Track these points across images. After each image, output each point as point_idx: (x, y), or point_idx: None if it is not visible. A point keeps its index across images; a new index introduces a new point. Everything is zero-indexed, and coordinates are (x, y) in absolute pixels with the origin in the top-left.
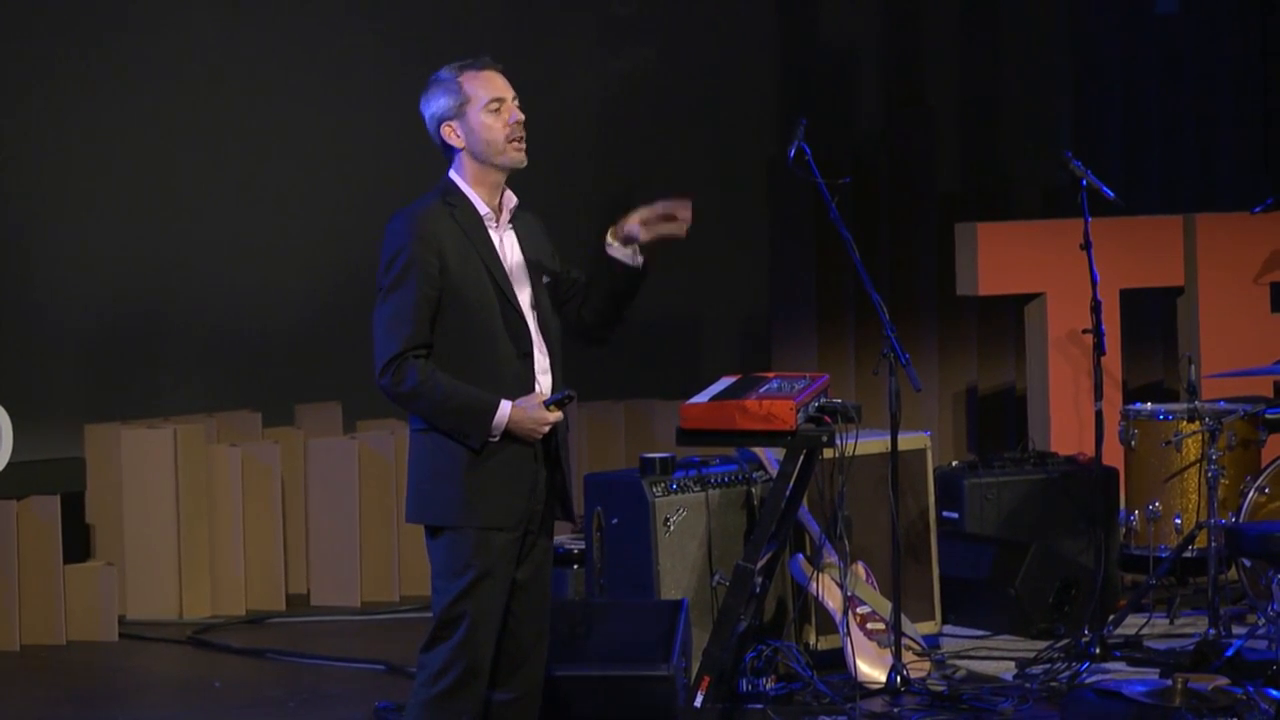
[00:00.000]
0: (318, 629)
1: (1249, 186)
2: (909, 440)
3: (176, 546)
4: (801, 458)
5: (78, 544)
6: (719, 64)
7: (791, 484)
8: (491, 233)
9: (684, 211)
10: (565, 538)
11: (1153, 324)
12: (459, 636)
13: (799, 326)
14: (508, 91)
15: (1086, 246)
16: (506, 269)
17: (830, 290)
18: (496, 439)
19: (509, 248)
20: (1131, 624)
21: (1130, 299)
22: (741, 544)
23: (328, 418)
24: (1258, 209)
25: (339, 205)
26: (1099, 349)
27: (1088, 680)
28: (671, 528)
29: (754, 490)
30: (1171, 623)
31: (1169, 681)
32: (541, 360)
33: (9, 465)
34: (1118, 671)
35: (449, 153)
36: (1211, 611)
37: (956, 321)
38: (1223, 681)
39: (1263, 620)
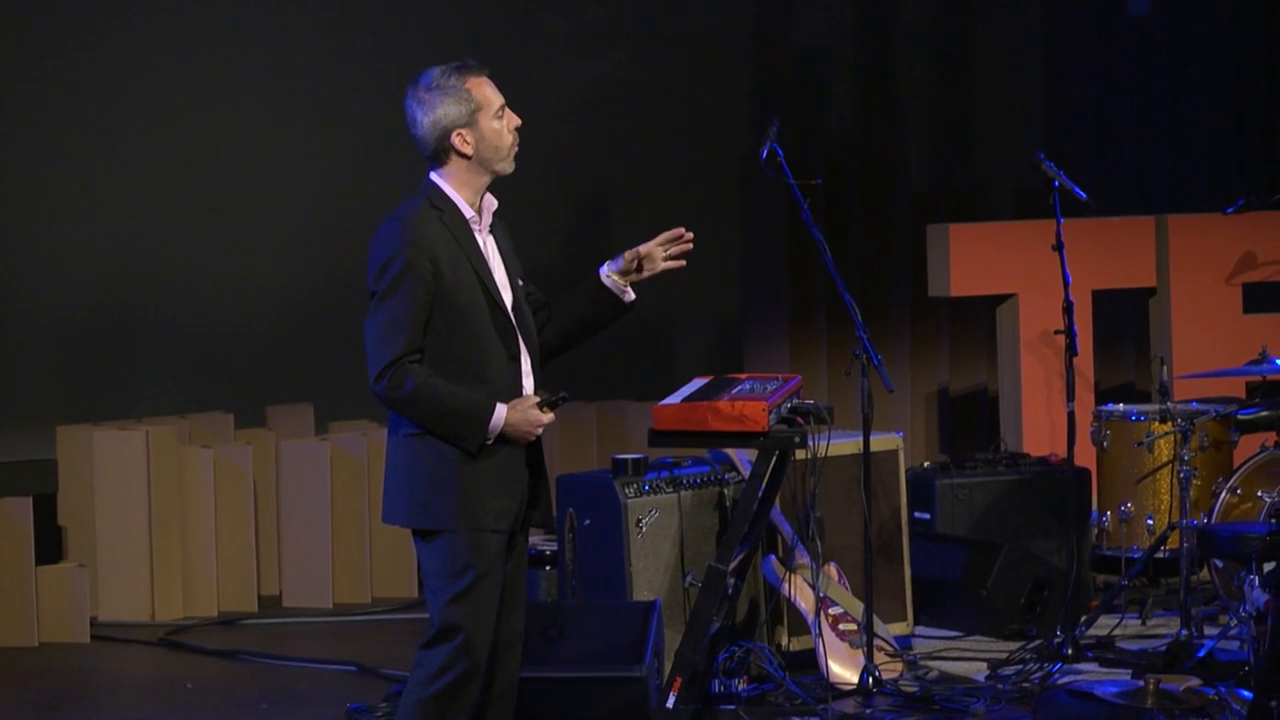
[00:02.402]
0: (290, 630)
1: (1221, 187)
2: (881, 441)
3: (149, 548)
4: (774, 459)
5: (50, 546)
6: (692, 66)
7: (764, 485)
8: (476, 235)
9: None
10: (537, 539)
11: (1125, 325)
12: (461, 638)
13: (771, 327)
14: (502, 96)
15: (1058, 247)
16: (493, 272)
17: (802, 291)
18: (490, 442)
19: (491, 250)
20: (1103, 625)
21: (1102, 300)
22: (714, 545)
23: (300, 419)
24: (1230, 210)
25: (312, 209)
26: (1071, 350)
27: (1060, 681)
28: (644, 529)
29: (726, 491)
30: (1144, 623)
31: (1141, 682)
32: (525, 362)
33: None
34: (1090, 672)
35: (441, 157)
36: (1183, 612)
37: (929, 322)
38: (1195, 682)
39: (1234, 621)
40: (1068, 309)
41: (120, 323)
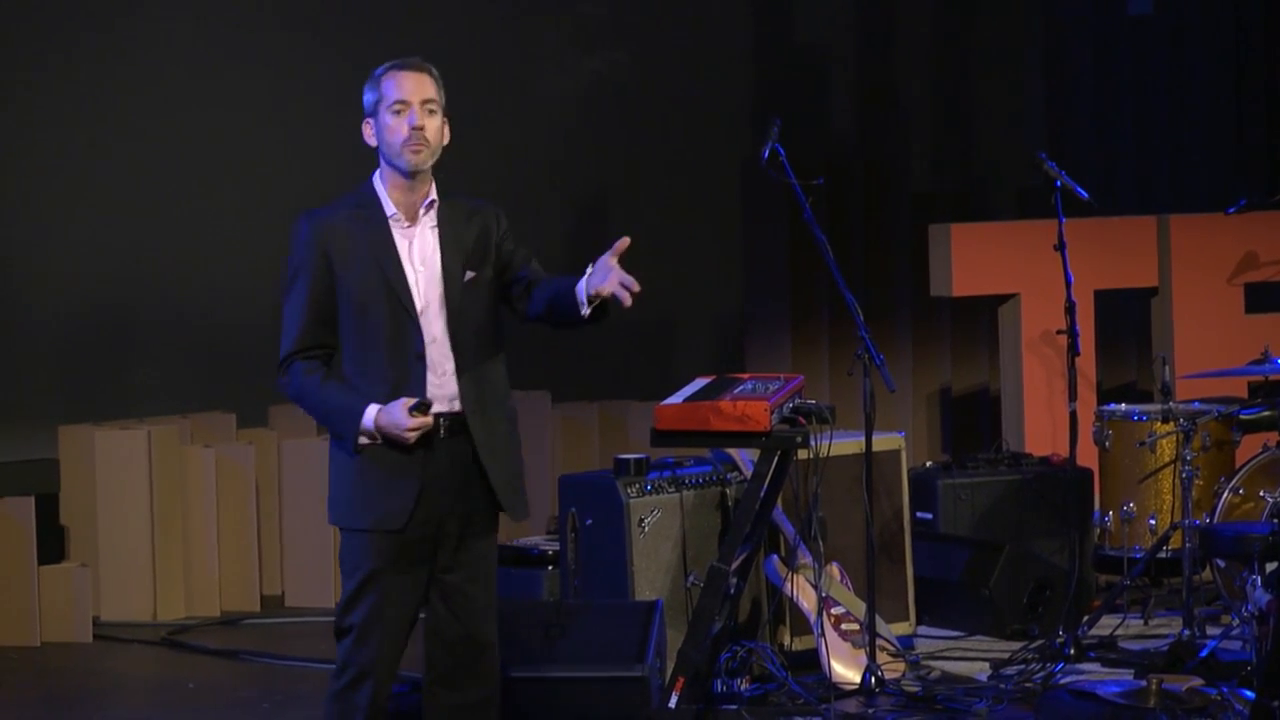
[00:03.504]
0: (292, 630)
1: (1223, 187)
2: (883, 441)
3: (151, 548)
4: (776, 459)
5: (52, 545)
6: (693, 65)
7: (766, 485)
8: (399, 233)
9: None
10: (539, 539)
11: (1127, 325)
12: (351, 638)
13: (773, 327)
14: (417, 95)
15: (1060, 247)
16: (407, 270)
17: (804, 291)
18: (378, 441)
19: (420, 248)
20: (1106, 625)
21: (1104, 300)
22: (716, 545)
23: (301, 419)
24: (1231, 210)
25: (312, 206)
26: (1073, 350)
27: (1062, 681)
28: (646, 529)
29: (728, 491)
30: (1146, 623)
31: (1143, 682)
32: (443, 363)
33: None
34: (1092, 672)
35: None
36: (1186, 612)
37: (931, 322)
38: (1197, 682)
39: (1237, 621)
40: (1070, 309)
41: (121, 322)
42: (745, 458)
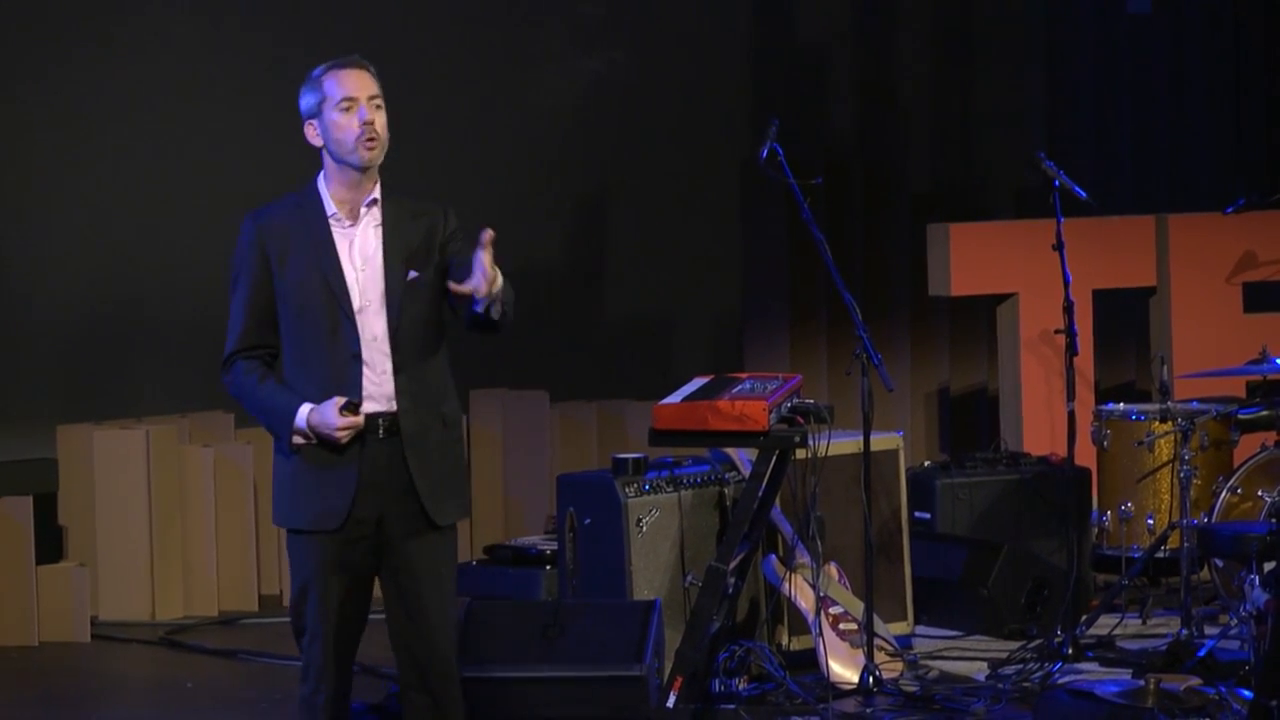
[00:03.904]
0: (290, 630)
1: (1221, 187)
2: (881, 440)
3: (149, 547)
4: (774, 458)
5: (50, 545)
6: (691, 64)
7: (764, 484)
8: (340, 232)
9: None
10: (538, 538)
11: (1125, 324)
12: (305, 637)
13: (771, 327)
14: (363, 91)
15: (1059, 247)
16: (346, 269)
17: (803, 291)
18: (312, 441)
19: (360, 246)
20: (1104, 624)
21: (1103, 299)
22: (714, 544)
23: None
24: (1230, 209)
25: None
26: (1071, 349)
27: (1060, 681)
28: (644, 528)
29: (726, 491)
30: (1144, 623)
31: (1141, 682)
32: (382, 362)
33: None
34: (1090, 672)
35: (318, 151)
36: (1184, 612)
37: (929, 322)
38: (1195, 682)
39: (1235, 621)
40: (1068, 308)
41: (120, 322)
42: (743, 457)
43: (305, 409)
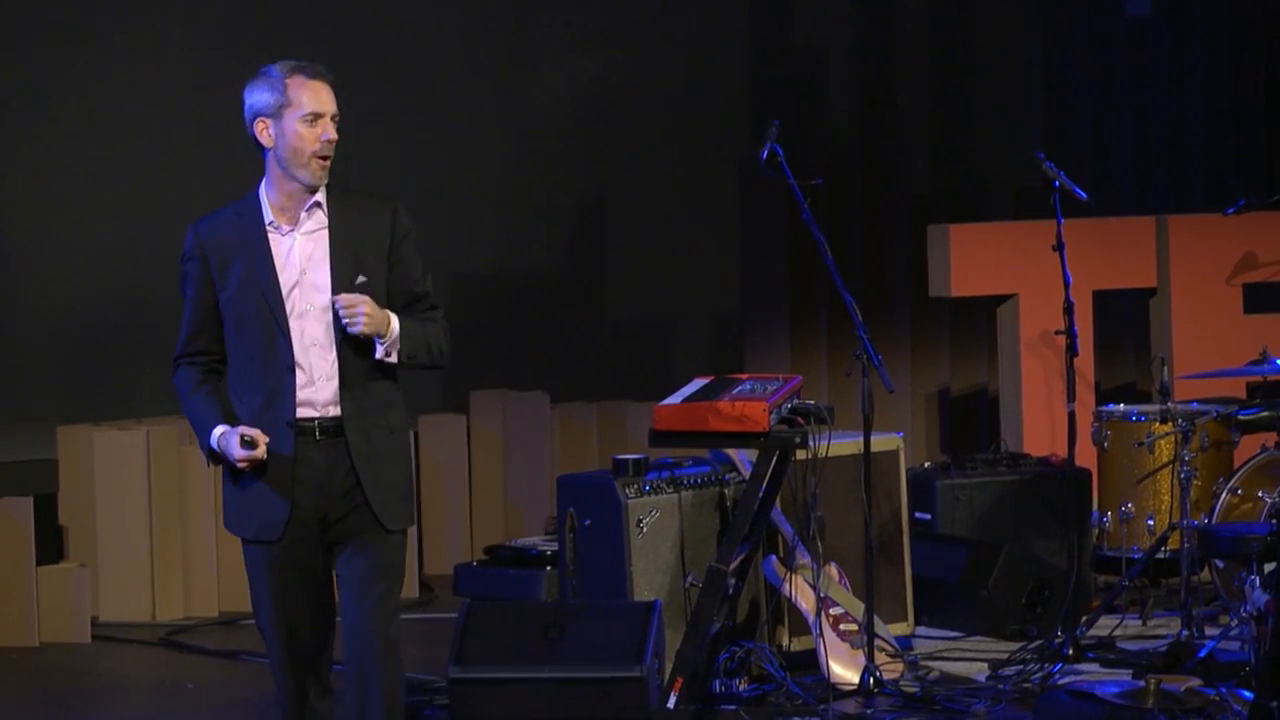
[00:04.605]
0: None
1: (1221, 188)
2: (882, 441)
3: (149, 548)
4: (774, 459)
5: (50, 546)
6: (691, 65)
7: (764, 485)
8: (278, 239)
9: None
10: (538, 539)
11: (1125, 325)
12: (265, 639)
13: (772, 328)
14: (330, 108)
15: (1059, 248)
16: (282, 279)
17: (803, 291)
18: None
19: (301, 255)
20: (1104, 625)
21: (1103, 300)
22: (714, 545)
23: None
24: (1230, 210)
25: None
26: (1071, 350)
27: (1060, 681)
28: (644, 529)
29: (727, 492)
30: (1144, 624)
31: (1142, 683)
32: (323, 367)
33: None
34: (1090, 673)
35: (259, 151)
36: (1184, 613)
37: (929, 323)
38: (1195, 683)
39: (1235, 621)
40: (1068, 309)
41: (120, 323)
42: (744, 458)
43: (218, 430)
